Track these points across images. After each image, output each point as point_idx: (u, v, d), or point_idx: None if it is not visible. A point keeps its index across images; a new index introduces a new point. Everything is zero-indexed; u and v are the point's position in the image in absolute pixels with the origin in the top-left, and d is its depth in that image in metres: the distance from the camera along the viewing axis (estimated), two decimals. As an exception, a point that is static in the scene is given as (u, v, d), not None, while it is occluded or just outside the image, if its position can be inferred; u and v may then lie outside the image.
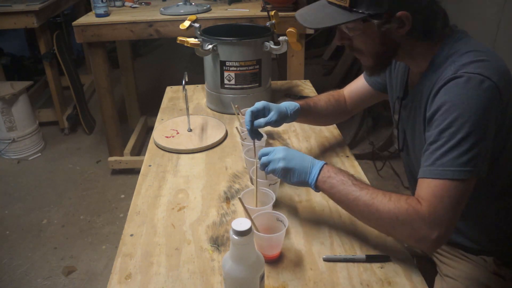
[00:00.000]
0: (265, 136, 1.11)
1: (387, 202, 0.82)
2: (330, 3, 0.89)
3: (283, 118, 1.10)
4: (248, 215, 0.82)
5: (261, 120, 1.07)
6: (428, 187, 0.81)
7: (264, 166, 0.93)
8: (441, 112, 0.82)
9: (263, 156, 0.94)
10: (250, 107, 1.31)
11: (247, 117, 1.06)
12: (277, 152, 0.92)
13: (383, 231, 0.87)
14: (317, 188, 0.90)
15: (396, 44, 0.90)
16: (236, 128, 1.19)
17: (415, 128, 0.99)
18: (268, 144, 1.10)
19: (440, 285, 1.11)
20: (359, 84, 1.24)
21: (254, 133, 1.07)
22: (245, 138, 1.14)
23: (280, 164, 0.90)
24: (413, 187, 1.06)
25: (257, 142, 1.10)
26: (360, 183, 0.87)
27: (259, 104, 1.08)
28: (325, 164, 0.91)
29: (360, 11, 0.84)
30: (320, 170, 0.89)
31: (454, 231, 0.98)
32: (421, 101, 0.92)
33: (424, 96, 0.91)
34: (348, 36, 0.92)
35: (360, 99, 1.24)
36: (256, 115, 1.08)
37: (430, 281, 1.15)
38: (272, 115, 1.07)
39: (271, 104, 1.10)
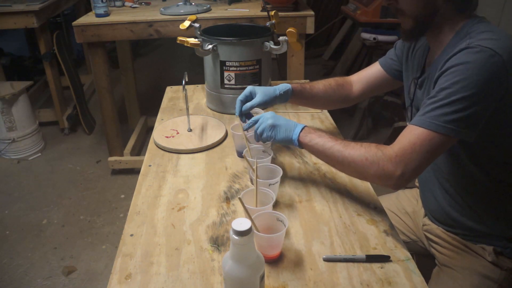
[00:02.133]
0: (272, 153, 1.10)
1: (359, 147, 0.94)
2: None
3: (271, 99, 1.17)
4: (248, 215, 0.82)
5: (247, 104, 1.14)
6: (409, 133, 0.89)
7: (256, 129, 1.06)
8: (446, 74, 0.87)
9: (254, 122, 1.07)
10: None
11: (236, 106, 1.15)
12: (266, 114, 1.06)
13: (355, 174, 0.98)
14: (299, 143, 1.02)
15: (436, 9, 0.95)
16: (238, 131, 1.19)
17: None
18: (272, 161, 1.10)
19: (437, 275, 1.13)
20: (372, 71, 1.26)
21: (245, 118, 1.15)
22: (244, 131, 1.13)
23: (269, 122, 1.04)
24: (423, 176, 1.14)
25: (261, 157, 1.10)
26: (335, 137, 0.99)
27: (246, 91, 1.16)
28: (306, 126, 1.04)
29: None
30: (302, 129, 1.03)
31: (458, 210, 1.07)
32: (435, 74, 0.94)
33: (438, 69, 0.93)
34: None
35: (371, 85, 1.26)
36: (245, 101, 1.15)
37: (429, 276, 1.16)
38: (256, 98, 1.15)
39: (257, 88, 1.17)
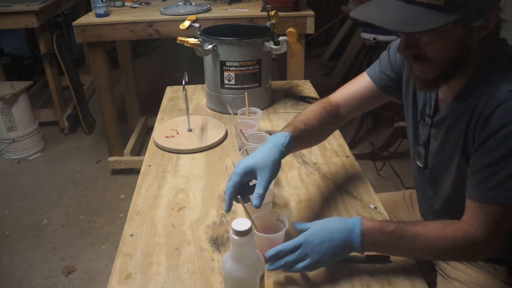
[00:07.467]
0: (273, 194, 1.00)
1: (445, 242, 0.81)
2: (412, 1, 0.73)
3: (279, 164, 0.88)
4: (248, 215, 0.81)
5: (260, 194, 0.82)
6: (487, 212, 0.80)
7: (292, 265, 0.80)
8: (500, 136, 0.75)
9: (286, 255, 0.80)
10: (250, 107, 1.29)
11: (231, 186, 0.83)
12: (310, 240, 0.80)
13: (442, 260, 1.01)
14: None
15: (470, 51, 0.79)
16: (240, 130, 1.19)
17: (444, 146, 0.92)
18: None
19: (446, 287, 1.08)
20: (359, 85, 1.09)
21: (244, 199, 0.85)
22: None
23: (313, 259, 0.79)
24: (427, 203, 1.08)
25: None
26: (408, 236, 0.81)
27: (240, 171, 0.84)
28: (361, 231, 0.80)
29: (457, 11, 0.71)
30: (361, 239, 0.80)
31: None
32: (460, 118, 0.84)
33: (466, 113, 0.82)
34: (417, 44, 0.78)
35: (359, 102, 1.09)
36: (243, 182, 0.85)
37: (429, 281, 1.15)
38: (262, 178, 0.83)
39: (255, 163, 0.84)
